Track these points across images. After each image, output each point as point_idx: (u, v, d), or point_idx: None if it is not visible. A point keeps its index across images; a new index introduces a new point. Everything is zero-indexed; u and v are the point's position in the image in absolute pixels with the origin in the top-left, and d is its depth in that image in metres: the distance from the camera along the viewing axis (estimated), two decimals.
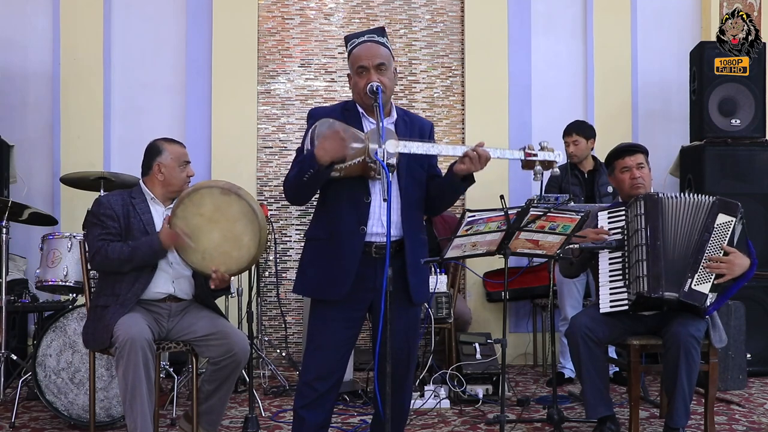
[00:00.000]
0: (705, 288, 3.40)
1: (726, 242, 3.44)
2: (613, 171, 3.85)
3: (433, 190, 2.94)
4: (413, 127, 2.94)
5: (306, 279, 2.88)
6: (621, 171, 3.79)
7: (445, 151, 2.83)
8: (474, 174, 2.80)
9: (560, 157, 2.80)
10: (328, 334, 2.82)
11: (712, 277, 3.41)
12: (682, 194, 3.55)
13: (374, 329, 2.69)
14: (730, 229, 3.45)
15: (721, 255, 3.43)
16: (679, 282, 3.42)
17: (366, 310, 2.86)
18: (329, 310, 2.82)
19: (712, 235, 3.43)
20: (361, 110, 2.89)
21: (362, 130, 2.83)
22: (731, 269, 3.43)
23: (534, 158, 2.77)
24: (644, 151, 3.84)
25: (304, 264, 2.91)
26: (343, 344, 2.84)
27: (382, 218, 2.74)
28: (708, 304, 3.43)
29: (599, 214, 3.75)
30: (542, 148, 2.79)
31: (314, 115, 2.89)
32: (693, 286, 3.39)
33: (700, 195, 3.52)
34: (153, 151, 3.52)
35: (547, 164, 2.79)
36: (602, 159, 5.36)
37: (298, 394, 2.86)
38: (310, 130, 2.75)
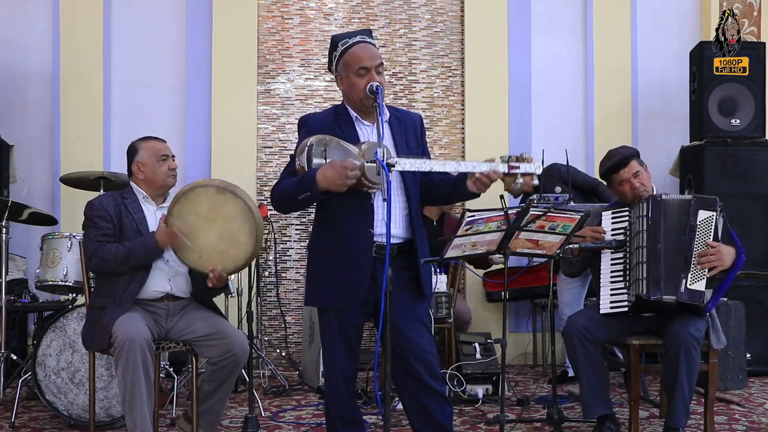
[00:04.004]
0: (701, 285, 3.40)
1: (711, 237, 3.44)
2: (611, 185, 3.79)
3: (436, 190, 2.95)
4: (406, 123, 2.94)
5: (318, 289, 2.87)
6: (619, 185, 3.71)
7: (437, 167, 2.76)
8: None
9: (539, 170, 2.76)
10: (347, 337, 2.86)
11: (706, 273, 3.41)
12: (669, 195, 3.53)
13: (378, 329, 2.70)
14: (713, 224, 3.46)
15: (708, 250, 3.42)
16: (676, 284, 3.42)
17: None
18: (346, 313, 2.83)
19: (697, 232, 3.43)
20: (354, 114, 2.86)
21: (356, 134, 2.82)
22: (721, 260, 3.42)
23: (516, 170, 2.73)
24: (636, 156, 3.74)
25: (313, 275, 2.90)
26: (358, 346, 2.90)
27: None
28: (706, 301, 3.43)
29: (603, 213, 3.73)
30: (522, 159, 2.74)
31: (307, 123, 2.86)
32: (689, 286, 3.39)
33: (679, 195, 3.53)
34: (131, 153, 3.56)
35: (528, 176, 2.75)
36: (599, 163, 5.37)
37: (334, 404, 2.90)
38: (306, 147, 2.69)
